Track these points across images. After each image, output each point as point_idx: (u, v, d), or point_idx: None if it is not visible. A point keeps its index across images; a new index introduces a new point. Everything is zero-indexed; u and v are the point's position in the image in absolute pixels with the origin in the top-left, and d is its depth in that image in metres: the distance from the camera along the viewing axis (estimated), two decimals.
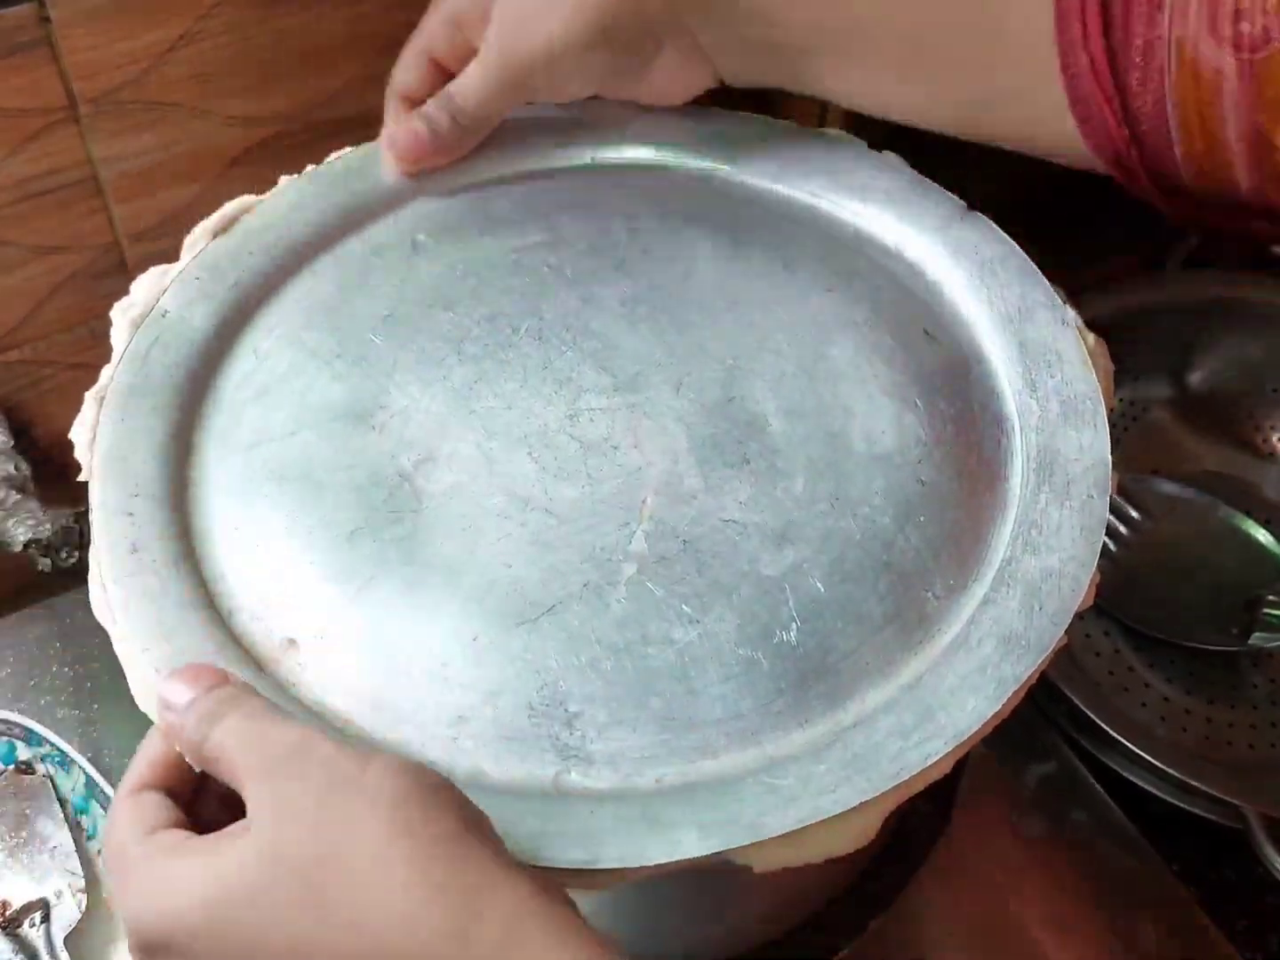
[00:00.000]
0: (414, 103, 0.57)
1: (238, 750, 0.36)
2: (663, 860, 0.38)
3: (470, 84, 0.56)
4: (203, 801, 0.39)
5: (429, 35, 0.57)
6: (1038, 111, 0.52)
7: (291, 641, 0.44)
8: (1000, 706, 0.42)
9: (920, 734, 0.41)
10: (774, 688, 0.42)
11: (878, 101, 0.56)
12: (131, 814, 0.37)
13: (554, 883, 0.35)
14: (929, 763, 0.41)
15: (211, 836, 0.36)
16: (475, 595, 0.44)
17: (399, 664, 0.43)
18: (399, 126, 0.56)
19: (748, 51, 0.57)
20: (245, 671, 0.43)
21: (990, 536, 0.47)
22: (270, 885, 0.34)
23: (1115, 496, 0.74)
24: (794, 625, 0.43)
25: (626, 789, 0.41)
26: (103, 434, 0.49)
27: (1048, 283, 0.53)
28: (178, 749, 0.38)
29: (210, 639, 0.44)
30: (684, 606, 0.43)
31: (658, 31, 0.56)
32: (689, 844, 0.39)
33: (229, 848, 0.35)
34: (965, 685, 0.42)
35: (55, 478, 0.68)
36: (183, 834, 0.36)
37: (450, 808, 0.35)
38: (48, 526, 0.66)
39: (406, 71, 0.58)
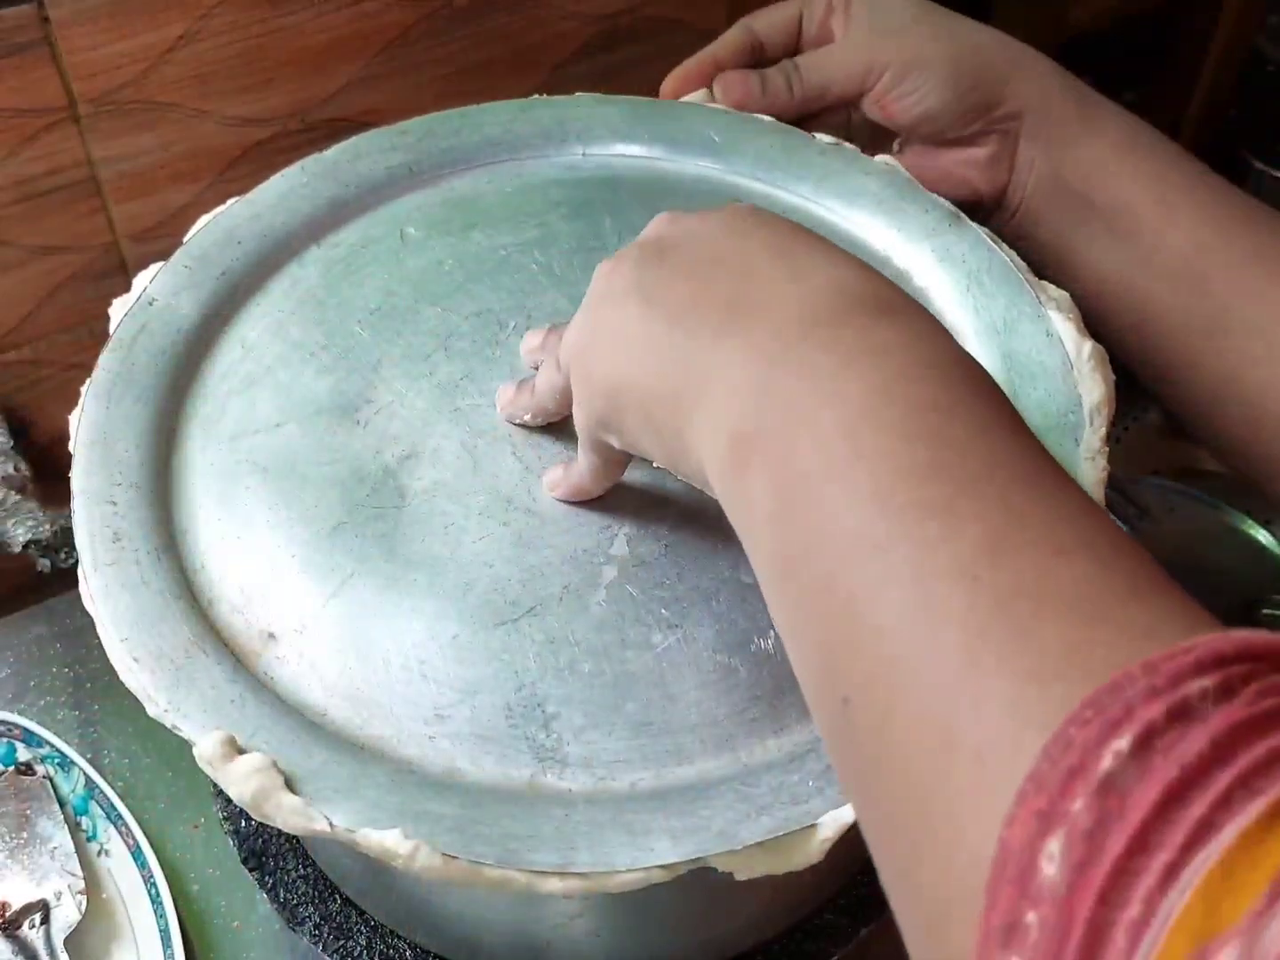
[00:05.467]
0: (719, 65, 0.62)
1: None
2: (634, 866, 0.39)
3: (820, 62, 0.61)
4: None
5: (764, 18, 0.63)
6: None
7: (271, 635, 0.44)
8: None
9: None
10: (750, 695, 0.43)
11: (1133, 300, 0.57)
12: None
13: None
14: None
15: None
16: (456, 594, 0.44)
17: (378, 660, 0.43)
18: (739, 75, 0.61)
19: (1053, 189, 0.60)
20: (223, 663, 0.43)
21: None
22: None
23: (1115, 497, 0.75)
24: (771, 633, 0.44)
25: (601, 793, 0.41)
26: (87, 421, 0.48)
27: (1033, 293, 0.53)
28: None
29: (189, 629, 0.44)
30: (663, 611, 0.44)
31: (995, 115, 0.59)
32: (661, 850, 0.39)
33: None
34: None
35: (55, 478, 0.67)
36: None
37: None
38: (47, 527, 0.66)
39: (727, 43, 0.62)
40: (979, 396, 0.34)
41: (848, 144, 0.60)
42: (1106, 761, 0.25)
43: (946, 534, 0.30)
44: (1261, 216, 0.56)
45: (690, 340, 0.38)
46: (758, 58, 0.63)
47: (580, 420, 0.42)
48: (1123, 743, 0.25)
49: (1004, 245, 0.55)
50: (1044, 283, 0.54)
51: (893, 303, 0.37)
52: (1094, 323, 0.55)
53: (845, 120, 0.64)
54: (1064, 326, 0.52)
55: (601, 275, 0.42)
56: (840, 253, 0.39)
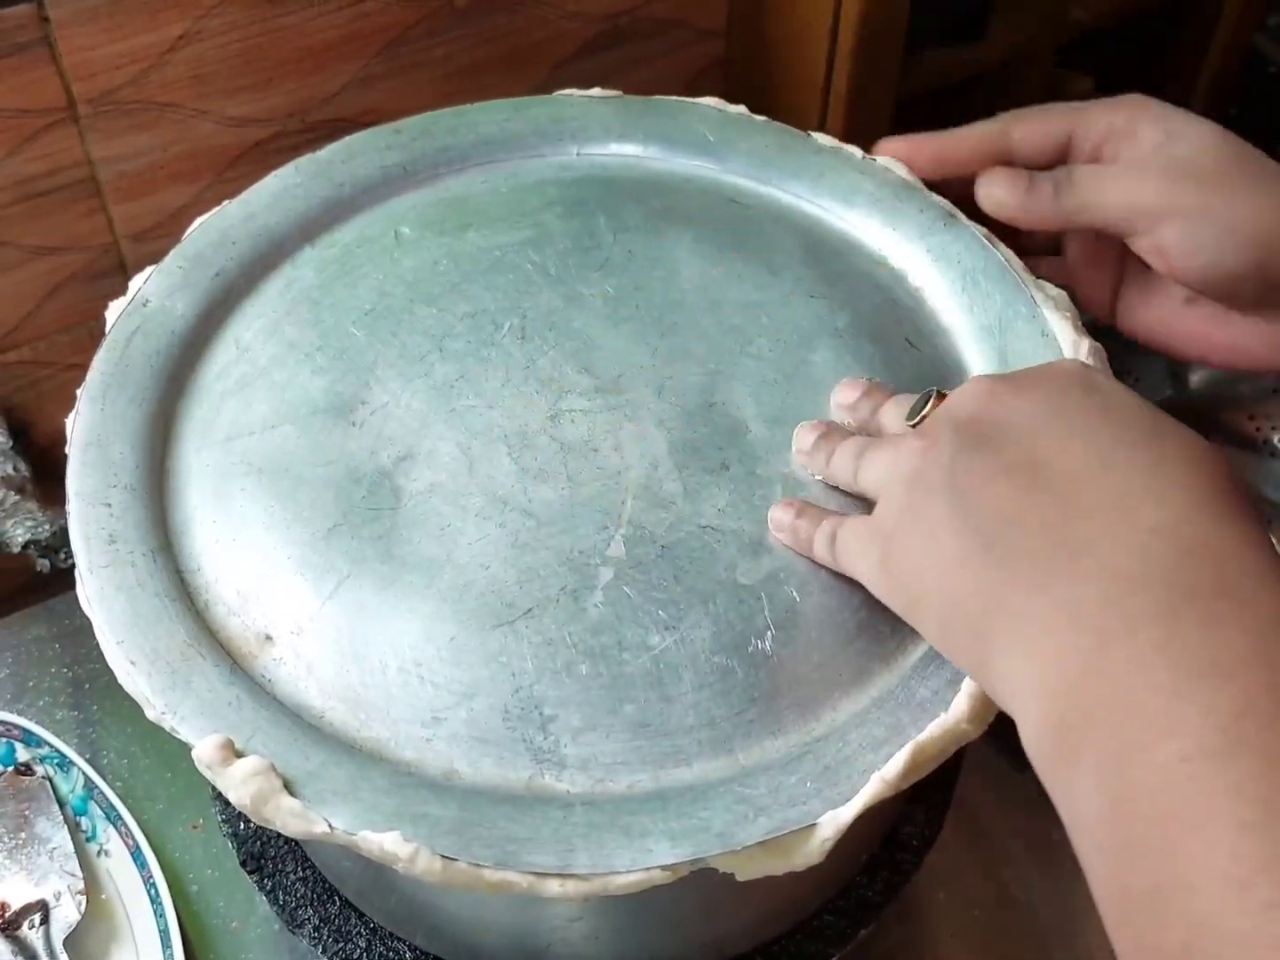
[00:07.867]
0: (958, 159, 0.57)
1: None
2: (634, 867, 0.39)
3: (1094, 182, 0.53)
4: None
5: (1026, 126, 0.56)
6: None
7: (268, 637, 0.44)
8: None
9: (890, 747, 0.41)
10: (747, 696, 0.43)
11: None
12: None
13: None
14: (897, 778, 0.41)
15: None
16: (452, 595, 0.44)
17: (375, 663, 0.43)
18: (1007, 173, 0.55)
19: None
20: (220, 666, 0.43)
21: None
22: None
23: None
24: (769, 634, 0.44)
25: (599, 794, 0.41)
26: (81, 423, 0.48)
27: (1029, 292, 0.53)
28: None
29: (186, 632, 0.44)
30: (660, 613, 0.44)
31: None
32: (660, 852, 0.39)
33: None
34: (937, 699, 0.43)
35: (54, 479, 0.67)
36: None
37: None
38: (46, 527, 0.66)
39: (974, 139, 0.57)
40: None
41: (846, 145, 0.60)
42: None
43: None
44: None
45: (1003, 572, 0.37)
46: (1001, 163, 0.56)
47: (866, 580, 0.43)
48: None
49: (1000, 244, 0.55)
50: (1041, 281, 0.54)
51: (1225, 562, 0.35)
52: None
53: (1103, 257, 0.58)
54: (1060, 325, 0.52)
55: (915, 451, 0.41)
56: (1170, 468, 0.38)
